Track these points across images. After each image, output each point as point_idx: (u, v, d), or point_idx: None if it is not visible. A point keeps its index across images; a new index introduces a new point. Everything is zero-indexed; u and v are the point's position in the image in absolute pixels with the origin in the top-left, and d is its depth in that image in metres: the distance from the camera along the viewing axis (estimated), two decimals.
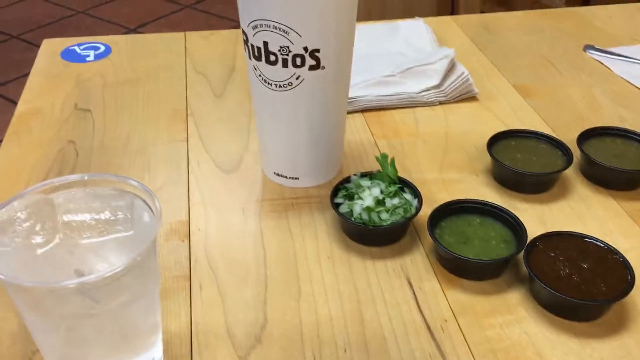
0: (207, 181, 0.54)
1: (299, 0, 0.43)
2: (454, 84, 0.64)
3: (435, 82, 0.64)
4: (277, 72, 0.47)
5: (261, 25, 0.45)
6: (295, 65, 0.46)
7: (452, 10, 0.89)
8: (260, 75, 0.48)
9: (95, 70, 0.70)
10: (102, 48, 0.74)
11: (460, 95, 0.64)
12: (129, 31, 2.59)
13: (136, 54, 0.74)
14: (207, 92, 0.67)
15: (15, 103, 2.20)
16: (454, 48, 0.67)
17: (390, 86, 0.64)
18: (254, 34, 0.46)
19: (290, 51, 0.45)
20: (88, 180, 0.37)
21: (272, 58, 0.46)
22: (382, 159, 0.50)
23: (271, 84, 0.48)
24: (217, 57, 0.73)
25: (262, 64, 0.47)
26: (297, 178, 0.53)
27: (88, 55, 0.72)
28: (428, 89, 0.64)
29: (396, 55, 0.70)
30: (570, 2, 1.65)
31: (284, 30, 0.44)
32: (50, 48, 0.75)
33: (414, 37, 0.74)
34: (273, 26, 0.44)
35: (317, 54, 0.46)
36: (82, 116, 0.62)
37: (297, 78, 0.47)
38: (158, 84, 0.68)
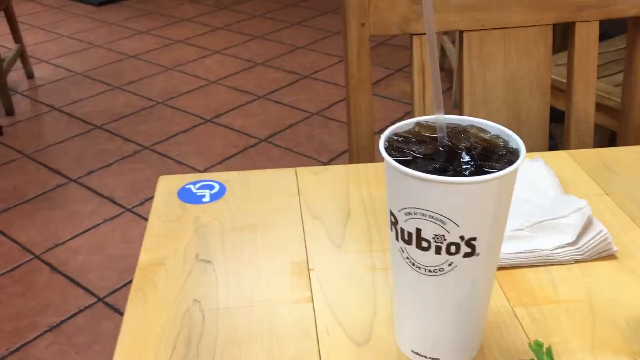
0: (339, 354, 0.52)
1: (459, 193, 0.41)
2: (591, 242, 0.60)
3: (570, 238, 0.61)
4: (429, 258, 0.44)
5: (415, 213, 0.43)
6: (449, 253, 0.44)
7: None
8: (408, 258, 0.46)
9: (212, 213, 0.70)
10: (217, 187, 0.74)
11: (598, 254, 0.61)
12: (205, 121, 2.68)
13: (250, 193, 0.73)
14: (326, 241, 0.65)
15: (97, 193, 2.27)
16: (579, 196, 0.64)
17: (519, 241, 0.61)
18: (406, 220, 0.44)
19: (445, 239, 0.43)
20: None
21: (425, 244, 0.44)
22: (537, 347, 0.46)
23: (420, 268, 0.45)
24: (330, 198, 0.72)
25: (412, 248, 0.45)
26: (438, 359, 0.50)
27: (204, 196, 0.73)
28: (562, 246, 0.61)
29: (521, 203, 0.67)
30: None
31: (440, 220, 0.42)
32: (166, 186, 0.76)
33: (535, 180, 0.71)
34: (429, 215, 0.43)
35: (473, 242, 0.43)
36: (203, 269, 0.62)
37: (449, 264, 0.44)
38: (275, 231, 0.67)
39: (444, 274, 0.45)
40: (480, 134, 0.47)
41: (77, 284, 1.84)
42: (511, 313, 0.55)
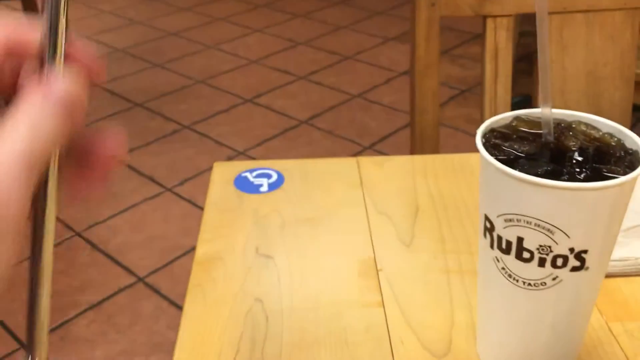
0: None
1: (574, 200, 0.36)
2: None
3: None
4: (530, 270, 0.40)
5: (518, 220, 0.38)
6: (554, 266, 0.39)
7: None
8: (504, 269, 0.41)
9: (271, 203, 0.66)
10: (275, 176, 0.70)
11: None
12: (245, 101, 2.64)
13: (309, 184, 0.69)
14: (394, 239, 0.61)
15: (137, 172, 2.26)
16: None
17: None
18: (506, 227, 0.39)
19: (551, 251, 0.38)
20: None
21: (526, 255, 0.39)
22: None
23: (517, 281, 0.41)
24: (396, 192, 0.67)
25: (510, 259, 0.40)
26: None
27: (261, 185, 0.69)
28: None
29: None
30: None
31: (548, 230, 0.37)
32: (222, 173, 0.72)
33: None
34: (535, 224, 0.38)
35: (583, 255, 0.38)
36: (264, 264, 0.58)
37: (553, 279, 0.39)
38: (339, 225, 0.63)
39: (546, 288, 0.40)
40: (590, 131, 0.41)
41: (118, 262, 1.83)
42: (606, 329, 0.50)
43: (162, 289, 1.73)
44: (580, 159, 0.38)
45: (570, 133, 0.41)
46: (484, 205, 0.41)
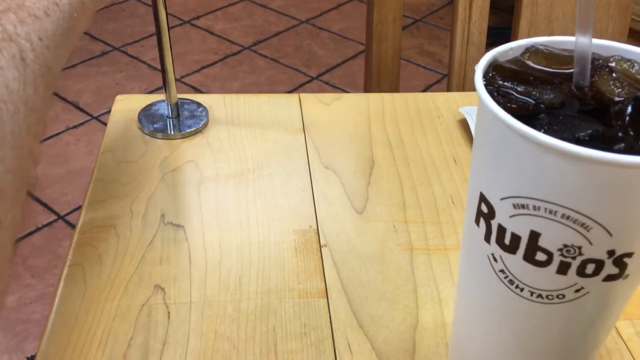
0: None
1: (631, 181, 0.23)
2: None
3: None
4: (543, 278, 0.27)
5: (536, 208, 0.25)
6: (581, 274, 0.26)
7: None
8: (503, 272, 0.28)
9: (187, 151, 0.51)
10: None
11: None
12: (183, 23, 2.42)
13: (238, 127, 0.54)
14: (343, 203, 0.47)
15: (60, 97, 2.07)
16: None
17: None
18: (513, 215, 0.26)
19: (581, 253, 0.25)
20: None
21: (541, 257, 0.26)
22: None
23: (522, 290, 0.28)
24: (346, 140, 0.53)
25: (515, 260, 0.27)
26: None
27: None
28: None
29: None
30: None
31: (582, 224, 0.25)
32: (125, 109, 0.56)
33: None
34: (563, 214, 0.25)
35: (626, 259, 0.26)
36: (172, 237, 0.43)
37: (576, 290, 0.27)
38: (273, 184, 0.48)
39: (562, 302, 0.27)
40: (634, 71, 0.28)
41: (35, 198, 1.65)
42: (613, 330, 0.39)
43: None
44: (632, 113, 0.25)
45: (613, 74, 0.27)
46: (479, 179, 0.28)
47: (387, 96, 0.59)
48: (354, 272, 0.42)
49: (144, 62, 2.18)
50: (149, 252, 0.42)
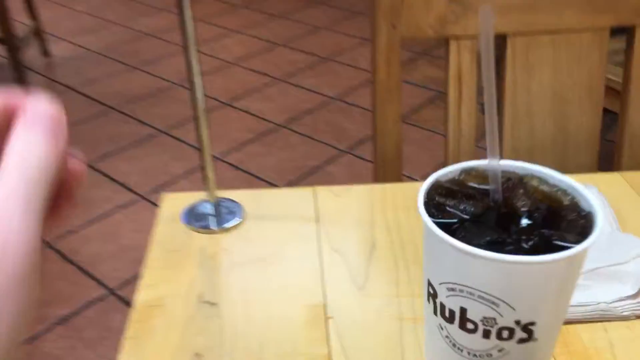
0: None
1: (519, 273, 0.33)
2: None
3: (631, 290, 0.52)
4: (474, 341, 0.37)
5: (461, 291, 0.35)
6: (500, 338, 0.36)
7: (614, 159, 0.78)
8: (448, 337, 0.38)
9: (223, 242, 0.63)
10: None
11: None
12: (222, 104, 2.60)
13: (264, 217, 0.66)
14: (347, 281, 0.57)
15: (110, 178, 2.21)
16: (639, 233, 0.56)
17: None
18: (448, 296, 0.36)
19: (496, 323, 0.35)
20: None
21: (470, 326, 0.36)
22: None
23: (462, 350, 0.38)
24: (352, 226, 0.64)
25: (454, 328, 0.37)
26: None
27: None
28: (622, 299, 0.52)
29: None
30: None
31: (492, 302, 0.34)
32: (170, 206, 0.68)
33: None
34: (478, 295, 0.35)
35: (531, 327, 0.35)
36: (208, 313, 0.54)
37: (499, 350, 0.36)
38: (291, 266, 0.59)
39: (492, 359, 0.37)
40: (541, 187, 0.38)
41: (88, 274, 1.79)
42: None
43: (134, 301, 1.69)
44: (529, 222, 0.35)
45: (521, 191, 0.37)
46: (427, 269, 0.38)
47: (388, 187, 0.70)
48: (353, 340, 0.51)
49: (186, 143, 2.34)
50: (191, 323, 0.53)
